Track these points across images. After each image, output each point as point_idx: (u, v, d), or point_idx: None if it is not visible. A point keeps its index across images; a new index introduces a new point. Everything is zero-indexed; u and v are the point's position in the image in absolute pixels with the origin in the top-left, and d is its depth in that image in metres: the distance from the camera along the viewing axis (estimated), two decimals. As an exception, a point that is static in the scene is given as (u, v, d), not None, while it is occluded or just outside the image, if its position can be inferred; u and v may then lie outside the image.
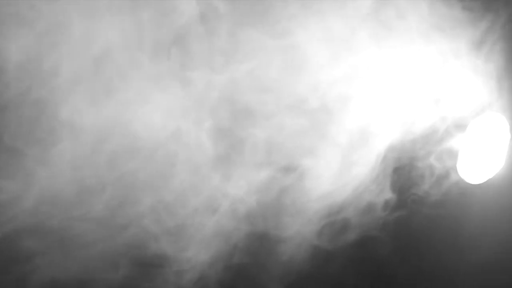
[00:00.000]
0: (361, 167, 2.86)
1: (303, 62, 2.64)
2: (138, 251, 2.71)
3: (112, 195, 2.54)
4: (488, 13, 2.77)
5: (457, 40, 2.80)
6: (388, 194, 2.90)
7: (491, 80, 2.91)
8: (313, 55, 2.64)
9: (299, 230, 2.92)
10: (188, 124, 2.58)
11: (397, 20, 2.69)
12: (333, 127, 2.77)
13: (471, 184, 2.94)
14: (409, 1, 2.67)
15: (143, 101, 2.48)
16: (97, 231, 2.61)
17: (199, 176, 2.68)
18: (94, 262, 2.68)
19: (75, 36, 2.40)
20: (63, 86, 2.37)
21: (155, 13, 2.52)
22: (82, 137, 2.42)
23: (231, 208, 2.80)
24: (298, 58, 2.64)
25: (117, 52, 2.46)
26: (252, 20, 2.58)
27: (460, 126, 2.95)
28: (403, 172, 2.92)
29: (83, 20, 2.42)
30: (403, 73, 2.82)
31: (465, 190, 2.94)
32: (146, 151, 2.52)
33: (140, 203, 2.60)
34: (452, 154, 2.95)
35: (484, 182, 2.93)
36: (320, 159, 2.79)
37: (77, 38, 2.40)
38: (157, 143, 2.53)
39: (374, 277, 3.01)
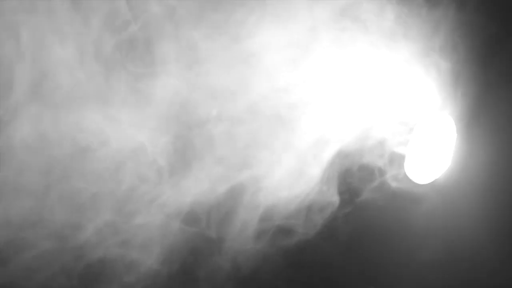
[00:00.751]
0: (312, 171, 2.81)
1: (260, 67, 2.56)
2: (86, 267, 2.60)
3: (62, 215, 2.41)
4: (445, 18, 2.75)
5: (412, 44, 2.78)
6: (334, 197, 2.87)
7: (438, 81, 2.90)
8: (270, 60, 2.56)
9: (242, 233, 2.87)
10: (143, 135, 2.47)
11: (357, 25, 2.63)
12: (288, 133, 2.71)
13: (418, 184, 2.94)
14: (370, 6, 2.62)
15: (97, 116, 2.35)
16: (44, 250, 2.48)
17: (151, 186, 2.58)
18: (40, 278, 2.56)
19: (22, 49, 2.24)
20: (11, 104, 2.21)
21: (106, 19, 2.38)
22: (32, 158, 2.27)
23: (180, 216, 2.72)
24: (255, 63, 2.56)
25: (68, 65, 2.31)
26: (210, 24, 2.47)
27: (407, 127, 2.93)
28: (349, 174, 2.88)
29: (30, 30, 2.26)
30: (356, 75, 2.78)
31: (412, 190, 2.93)
32: (101, 170, 2.39)
33: (90, 221, 2.48)
34: (399, 154, 2.93)
35: (431, 182, 2.93)
36: (273, 164, 2.73)
37: (25, 51, 2.24)
38: (111, 159, 2.41)
39: (317, 280, 2.99)
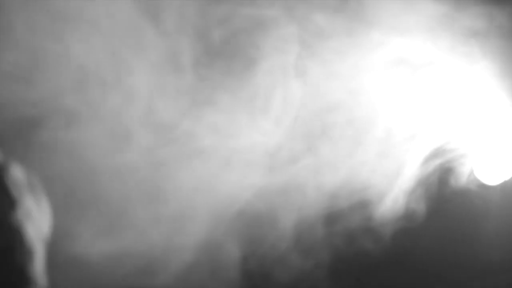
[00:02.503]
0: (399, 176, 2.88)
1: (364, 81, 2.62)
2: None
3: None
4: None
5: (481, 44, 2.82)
6: (419, 203, 2.94)
7: (509, 82, 2.95)
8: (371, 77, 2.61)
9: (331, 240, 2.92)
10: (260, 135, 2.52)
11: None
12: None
13: (488, 186, 3.00)
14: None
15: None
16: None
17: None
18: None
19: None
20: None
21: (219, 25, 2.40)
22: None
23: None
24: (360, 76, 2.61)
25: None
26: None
27: (477, 128, 2.98)
28: (427, 180, 2.94)
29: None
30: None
31: (482, 191, 3.00)
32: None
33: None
34: (469, 156, 2.99)
35: (501, 184, 3.00)
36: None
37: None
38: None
39: (391, 276, 3.06)
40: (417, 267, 3.04)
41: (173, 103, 2.42)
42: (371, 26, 2.57)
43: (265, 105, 2.50)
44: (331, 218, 2.83)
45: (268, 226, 2.76)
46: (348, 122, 2.67)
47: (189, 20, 2.39)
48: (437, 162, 2.96)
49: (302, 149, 2.64)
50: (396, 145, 2.85)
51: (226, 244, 2.62)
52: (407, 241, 2.98)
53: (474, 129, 2.99)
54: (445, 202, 2.99)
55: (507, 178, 3.00)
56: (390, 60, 2.63)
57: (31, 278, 1.38)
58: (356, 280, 3.03)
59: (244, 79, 2.48)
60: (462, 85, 2.92)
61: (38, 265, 1.40)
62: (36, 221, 1.42)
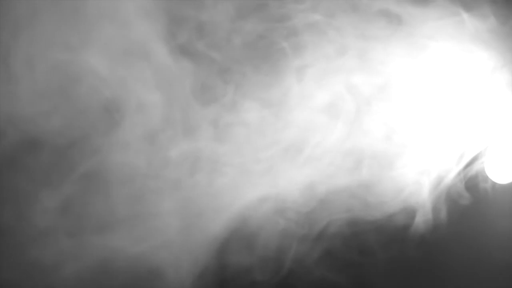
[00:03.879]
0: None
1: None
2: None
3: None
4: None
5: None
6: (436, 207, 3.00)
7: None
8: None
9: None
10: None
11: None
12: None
13: (500, 184, 3.06)
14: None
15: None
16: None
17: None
18: None
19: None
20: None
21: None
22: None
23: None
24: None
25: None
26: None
27: (488, 126, 3.04)
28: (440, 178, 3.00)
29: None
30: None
31: (494, 190, 3.06)
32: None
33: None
34: (481, 154, 3.05)
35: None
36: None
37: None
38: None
39: (399, 275, 3.12)
40: (427, 266, 3.10)
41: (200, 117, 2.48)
42: (411, 31, 2.62)
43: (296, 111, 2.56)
44: (353, 223, 2.89)
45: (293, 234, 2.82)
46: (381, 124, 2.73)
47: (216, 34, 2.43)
48: (459, 166, 3.02)
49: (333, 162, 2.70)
50: (419, 149, 2.92)
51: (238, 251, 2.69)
52: (430, 246, 3.03)
53: (486, 126, 3.04)
54: (459, 202, 3.05)
55: (521, 177, 3.06)
56: (428, 65, 2.68)
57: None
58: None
59: (275, 86, 2.53)
60: (490, 94, 2.98)
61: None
62: None
